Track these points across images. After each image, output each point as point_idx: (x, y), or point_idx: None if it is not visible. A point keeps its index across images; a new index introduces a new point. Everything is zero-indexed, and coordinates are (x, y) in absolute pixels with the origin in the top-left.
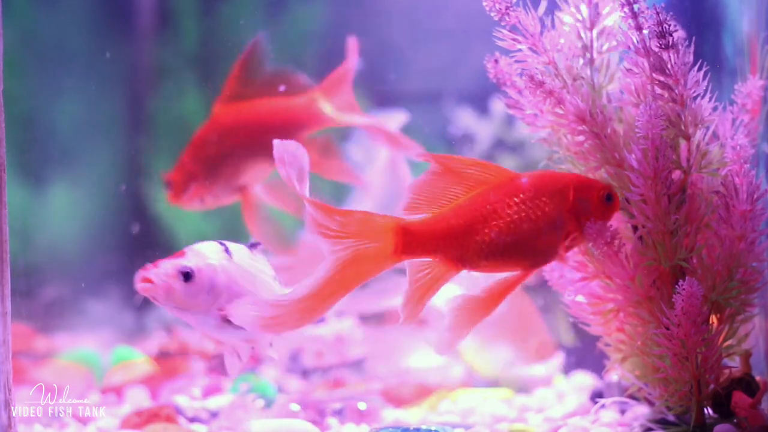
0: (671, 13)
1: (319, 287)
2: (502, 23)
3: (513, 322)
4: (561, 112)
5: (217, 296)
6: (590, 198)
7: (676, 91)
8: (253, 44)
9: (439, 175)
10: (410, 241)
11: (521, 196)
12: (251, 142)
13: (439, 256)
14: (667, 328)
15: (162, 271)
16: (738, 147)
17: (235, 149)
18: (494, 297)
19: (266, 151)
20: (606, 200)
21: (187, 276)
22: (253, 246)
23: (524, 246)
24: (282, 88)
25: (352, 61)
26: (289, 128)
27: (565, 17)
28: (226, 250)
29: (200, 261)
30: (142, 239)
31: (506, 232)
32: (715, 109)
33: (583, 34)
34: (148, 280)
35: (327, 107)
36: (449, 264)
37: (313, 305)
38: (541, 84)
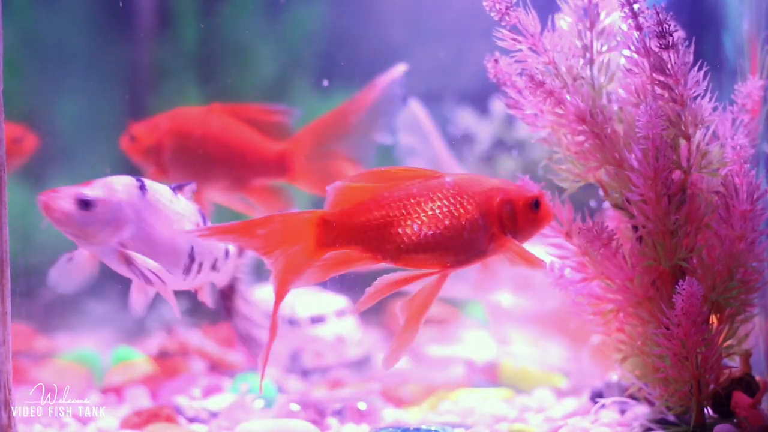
0: (671, 13)
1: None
2: (502, 23)
3: (568, 319)
4: (561, 112)
5: (117, 230)
6: (515, 204)
7: (676, 91)
8: (290, 113)
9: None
10: (331, 233)
11: (444, 192)
12: (221, 158)
13: (360, 247)
14: (667, 328)
15: (60, 196)
16: (738, 147)
17: (207, 154)
18: (423, 303)
19: (226, 177)
20: (533, 208)
21: (84, 204)
22: (179, 187)
23: (444, 242)
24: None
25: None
26: (255, 172)
27: (566, 17)
28: (142, 187)
29: (104, 193)
30: None
31: (426, 225)
32: (715, 109)
33: (583, 34)
34: (47, 203)
35: (298, 163)
36: (370, 255)
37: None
38: (542, 84)
